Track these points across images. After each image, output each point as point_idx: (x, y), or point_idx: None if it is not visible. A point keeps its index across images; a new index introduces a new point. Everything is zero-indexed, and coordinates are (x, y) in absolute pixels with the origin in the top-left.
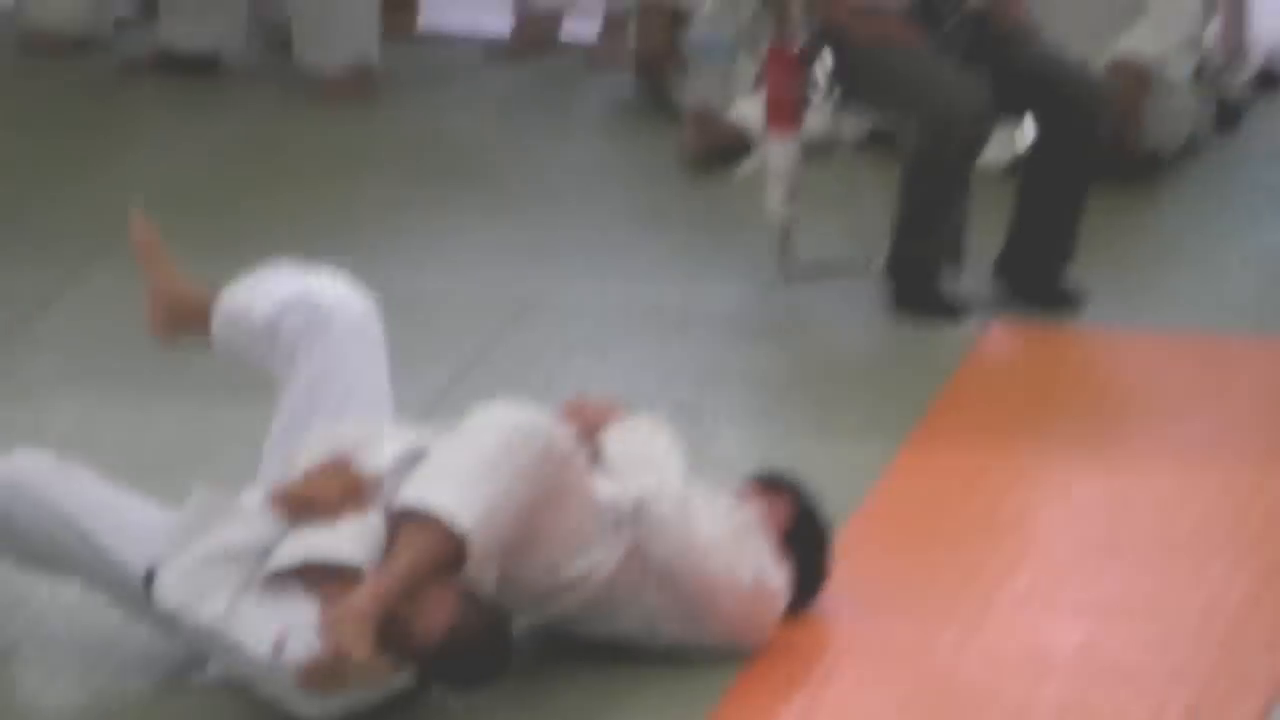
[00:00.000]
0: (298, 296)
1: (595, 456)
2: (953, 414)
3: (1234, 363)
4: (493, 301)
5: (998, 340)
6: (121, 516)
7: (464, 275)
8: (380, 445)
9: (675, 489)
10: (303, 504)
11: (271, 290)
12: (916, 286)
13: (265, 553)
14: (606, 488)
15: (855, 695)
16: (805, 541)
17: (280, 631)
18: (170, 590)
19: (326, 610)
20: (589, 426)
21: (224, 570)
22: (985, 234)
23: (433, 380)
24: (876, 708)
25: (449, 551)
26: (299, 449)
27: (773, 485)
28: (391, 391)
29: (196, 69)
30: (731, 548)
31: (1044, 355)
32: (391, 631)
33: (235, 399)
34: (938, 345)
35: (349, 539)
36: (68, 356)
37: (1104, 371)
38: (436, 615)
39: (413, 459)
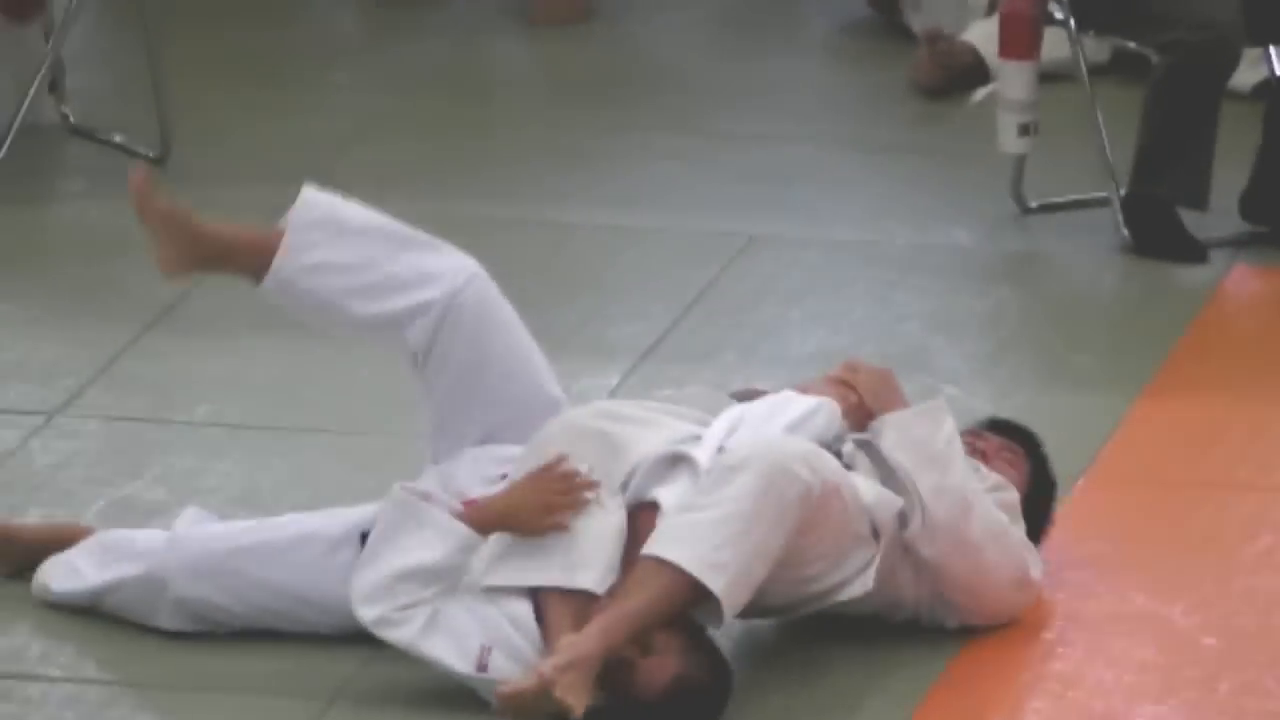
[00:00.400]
0: (418, 304)
1: (868, 438)
2: (1192, 363)
3: None
4: (714, 238)
5: (1242, 283)
6: (300, 553)
7: (683, 210)
8: (633, 440)
9: (955, 487)
10: (504, 519)
11: (386, 282)
12: (1158, 224)
13: (459, 569)
14: (871, 490)
15: (1085, 667)
16: (1036, 500)
17: (485, 649)
18: (366, 605)
19: (550, 643)
20: (863, 405)
21: (417, 587)
22: (1228, 167)
23: (655, 320)
24: (1107, 680)
25: (691, 601)
26: (536, 442)
27: (1009, 436)
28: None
29: None
30: (1001, 545)
31: None
32: (613, 674)
33: None
34: (1178, 288)
35: (581, 561)
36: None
37: None
38: (663, 666)
39: (670, 463)
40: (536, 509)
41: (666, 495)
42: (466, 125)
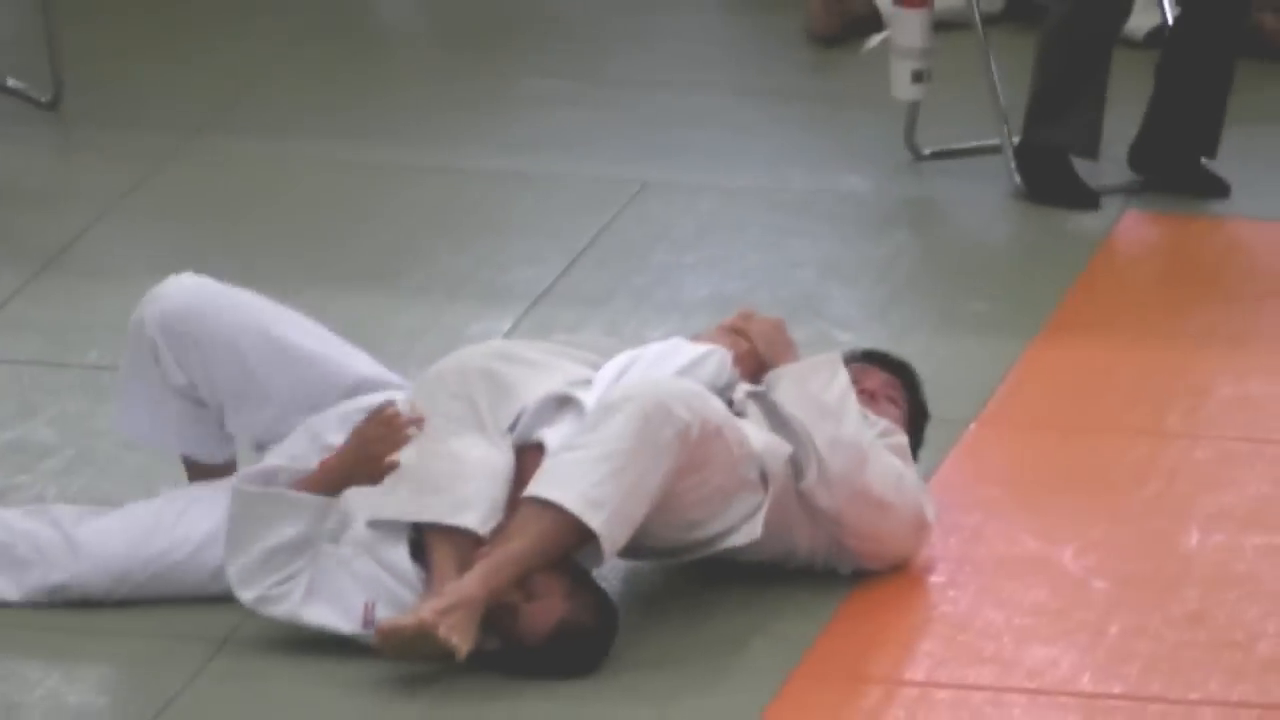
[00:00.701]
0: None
1: (761, 389)
2: (1084, 308)
3: None
4: (608, 184)
5: (1133, 229)
6: (207, 555)
7: (578, 156)
8: (523, 381)
9: (851, 439)
10: (345, 476)
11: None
12: (1050, 171)
13: (323, 532)
14: (760, 438)
15: (975, 610)
16: (912, 430)
17: (368, 605)
18: (243, 588)
19: (433, 584)
20: (755, 353)
21: (287, 559)
22: (1121, 114)
23: (549, 265)
24: (997, 623)
25: (574, 542)
26: (423, 381)
27: (889, 370)
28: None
29: None
30: (898, 491)
31: (1181, 246)
32: (497, 618)
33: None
34: (1071, 234)
35: (465, 501)
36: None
37: (1244, 264)
38: (547, 610)
39: (558, 404)
40: (366, 461)
41: (552, 436)
42: (361, 73)
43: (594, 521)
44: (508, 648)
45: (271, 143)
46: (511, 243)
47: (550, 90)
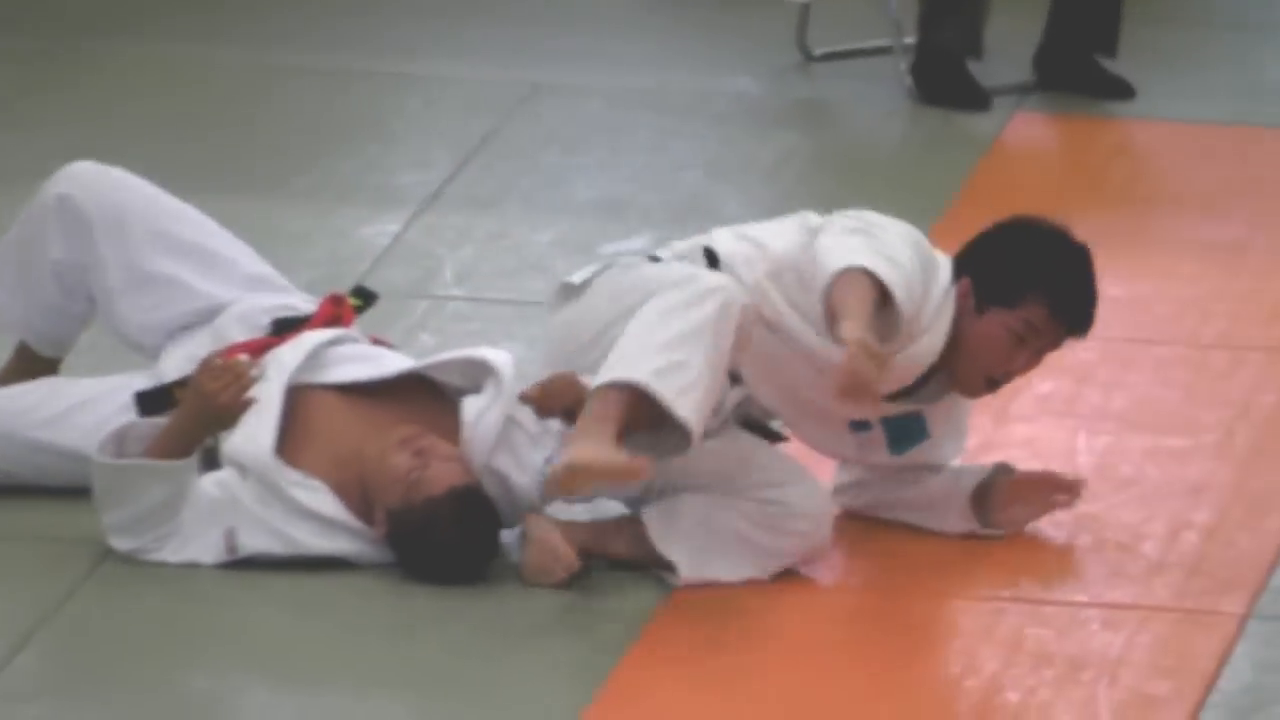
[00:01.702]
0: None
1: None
2: (975, 208)
3: (1268, 156)
4: (497, 86)
5: (1024, 130)
6: (82, 416)
7: (467, 58)
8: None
9: None
10: (197, 428)
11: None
12: (943, 73)
13: (187, 487)
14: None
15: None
16: None
17: (228, 533)
18: (119, 538)
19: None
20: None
21: (157, 524)
22: (1016, 15)
23: (438, 168)
24: (879, 525)
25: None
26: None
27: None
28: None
29: None
30: None
31: (1071, 146)
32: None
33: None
34: (962, 135)
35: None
36: None
37: (1133, 163)
38: (448, 474)
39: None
40: (215, 413)
41: None
42: None
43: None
44: (405, 513)
45: (152, 45)
46: (400, 146)
47: None
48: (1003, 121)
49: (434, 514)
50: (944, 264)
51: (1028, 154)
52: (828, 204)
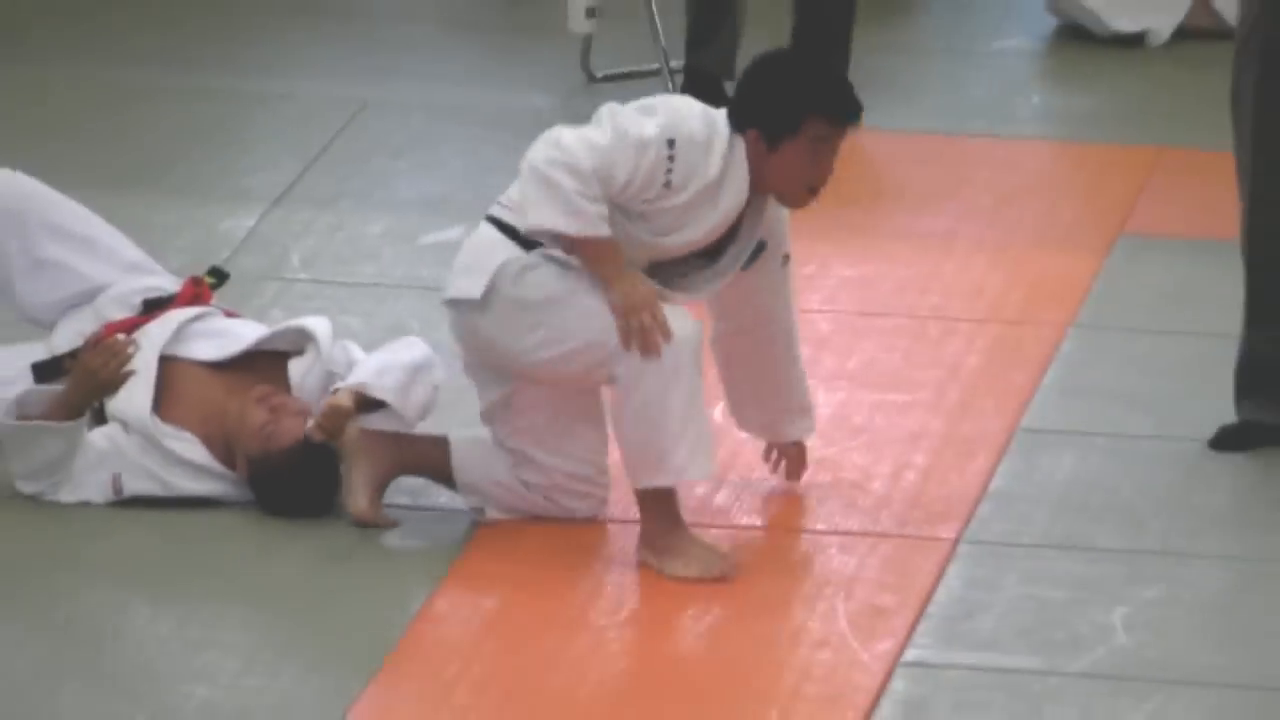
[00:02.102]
0: None
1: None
2: None
3: (970, 162)
4: (335, 102)
5: None
6: None
7: (309, 78)
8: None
9: None
10: (86, 397)
11: None
12: (704, 93)
13: (76, 444)
14: None
15: None
16: None
17: (115, 477)
18: (23, 483)
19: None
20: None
21: (52, 472)
22: (765, 43)
23: (285, 171)
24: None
25: None
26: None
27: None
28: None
29: None
30: None
31: None
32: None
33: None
34: None
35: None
36: None
37: (861, 167)
38: (295, 427)
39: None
40: (100, 384)
41: None
42: (114, 6)
43: None
44: (261, 460)
45: (27, 66)
46: (253, 153)
47: (278, 20)
48: None
49: (285, 461)
50: (720, 123)
51: None
52: None
